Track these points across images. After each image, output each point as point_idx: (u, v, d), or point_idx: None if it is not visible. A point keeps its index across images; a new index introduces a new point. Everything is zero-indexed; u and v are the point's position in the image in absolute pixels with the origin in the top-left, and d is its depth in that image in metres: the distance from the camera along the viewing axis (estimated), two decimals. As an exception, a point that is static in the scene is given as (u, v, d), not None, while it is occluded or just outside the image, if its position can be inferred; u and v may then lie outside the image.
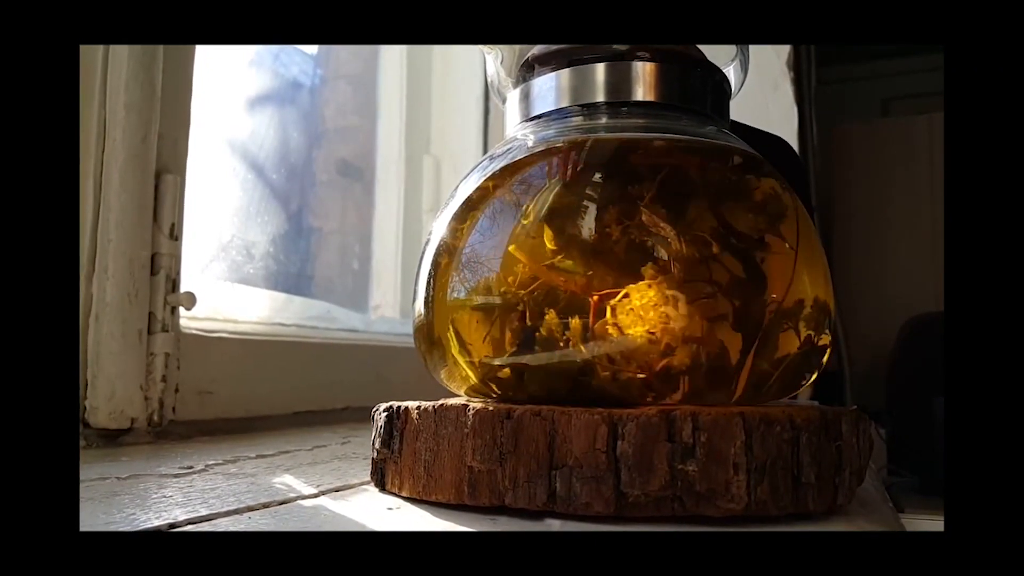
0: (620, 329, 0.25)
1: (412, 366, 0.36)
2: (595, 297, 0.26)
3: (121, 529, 0.22)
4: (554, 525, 0.23)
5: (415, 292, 0.30)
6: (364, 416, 0.50)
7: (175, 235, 0.47)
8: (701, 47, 0.32)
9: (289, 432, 0.53)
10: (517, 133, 0.32)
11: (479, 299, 0.27)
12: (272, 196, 0.74)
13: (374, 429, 0.28)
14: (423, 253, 0.31)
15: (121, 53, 0.44)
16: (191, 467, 0.34)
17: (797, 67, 0.98)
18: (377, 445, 0.28)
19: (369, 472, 0.29)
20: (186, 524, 0.23)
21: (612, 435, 0.23)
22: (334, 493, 0.29)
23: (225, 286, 0.64)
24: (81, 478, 0.30)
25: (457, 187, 0.31)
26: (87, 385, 0.43)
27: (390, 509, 0.26)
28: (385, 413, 0.28)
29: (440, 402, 0.26)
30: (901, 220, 1.41)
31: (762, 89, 0.95)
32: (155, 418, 0.46)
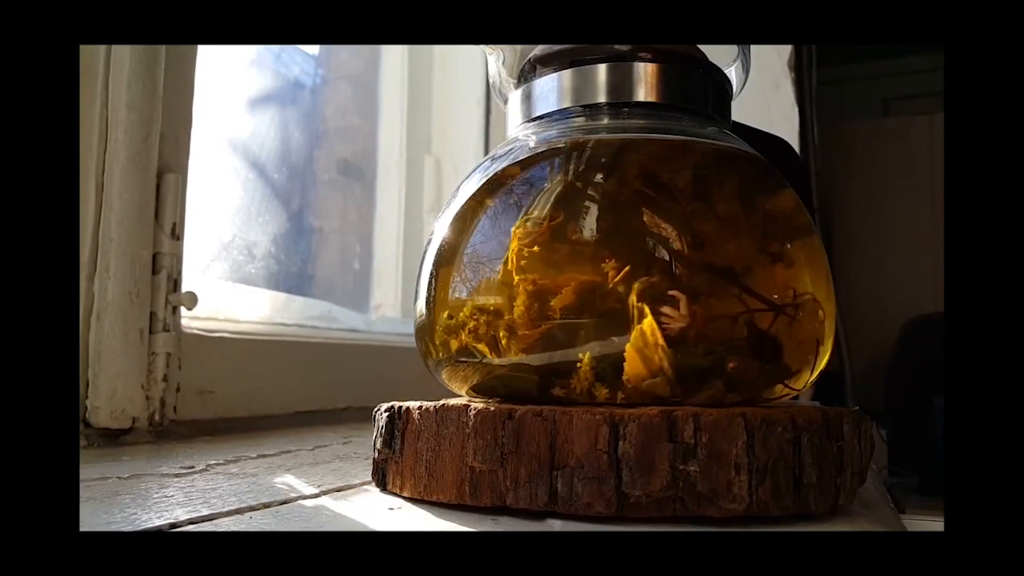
0: (623, 329, 0.25)
1: (413, 366, 0.36)
2: (597, 298, 0.26)
3: (122, 529, 0.22)
4: (555, 525, 0.23)
5: (416, 292, 0.30)
6: (365, 416, 0.50)
7: (176, 235, 0.47)
8: (703, 48, 0.32)
9: (290, 432, 0.53)
10: (519, 133, 0.32)
11: (481, 299, 0.27)
12: (273, 196, 0.74)
13: (375, 429, 0.28)
14: (424, 253, 0.31)
15: (123, 53, 0.44)
16: (192, 467, 0.34)
17: (798, 67, 0.98)
18: (378, 445, 0.28)
19: (370, 472, 0.29)
20: (187, 524, 0.23)
21: (613, 435, 0.23)
22: (335, 493, 0.29)
23: (226, 286, 0.64)
24: (82, 478, 0.30)
25: (459, 187, 0.31)
26: (88, 384, 0.43)
27: (391, 509, 0.26)
28: (386, 413, 0.28)
29: (441, 402, 0.26)
30: (901, 220, 1.41)
31: (763, 89, 0.95)
32: (156, 418, 0.46)
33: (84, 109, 0.43)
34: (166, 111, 0.47)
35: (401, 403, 0.27)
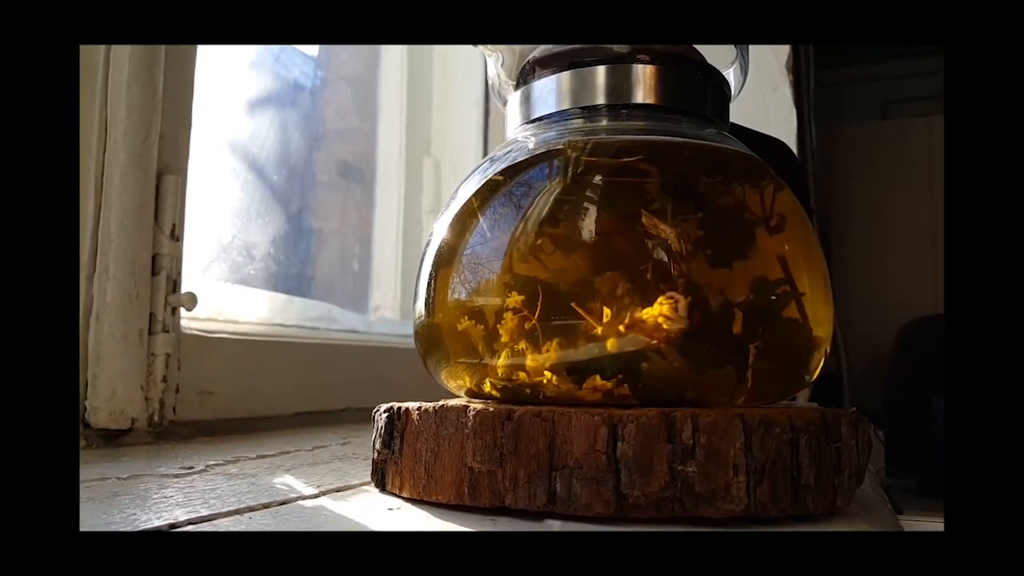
0: (622, 330, 0.25)
1: (412, 367, 0.36)
2: (596, 298, 0.26)
3: (121, 529, 0.22)
4: (554, 526, 0.23)
5: (416, 293, 0.30)
6: (364, 417, 0.50)
7: (176, 236, 0.48)
8: (701, 50, 0.32)
9: (290, 433, 0.53)
10: (518, 135, 0.32)
11: (480, 300, 0.27)
12: (273, 197, 0.75)
13: (375, 430, 0.29)
14: (424, 255, 0.31)
15: (122, 54, 0.44)
16: (191, 467, 0.34)
17: (796, 69, 0.98)
18: (378, 446, 0.28)
19: (369, 473, 0.29)
20: (187, 524, 0.23)
21: (612, 436, 0.23)
22: (335, 493, 0.29)
23: (226, 287, 0.64)
24: (81, 478, 0.30)
25: (458, 189, 0.31)
26: (88, 385, 0.43)
27: (390, 509, 0.26)
28: (386, 414, 0.28)
29: (440, 403, 0.26)
30: (900, 222, 1.41)
31: (761, 91, 0.95)
32: (155, 418, 0.46)
33: (84, 109, 0.43)
34: (166, 112, 0.47)
35: (400, 404, 0.27)
